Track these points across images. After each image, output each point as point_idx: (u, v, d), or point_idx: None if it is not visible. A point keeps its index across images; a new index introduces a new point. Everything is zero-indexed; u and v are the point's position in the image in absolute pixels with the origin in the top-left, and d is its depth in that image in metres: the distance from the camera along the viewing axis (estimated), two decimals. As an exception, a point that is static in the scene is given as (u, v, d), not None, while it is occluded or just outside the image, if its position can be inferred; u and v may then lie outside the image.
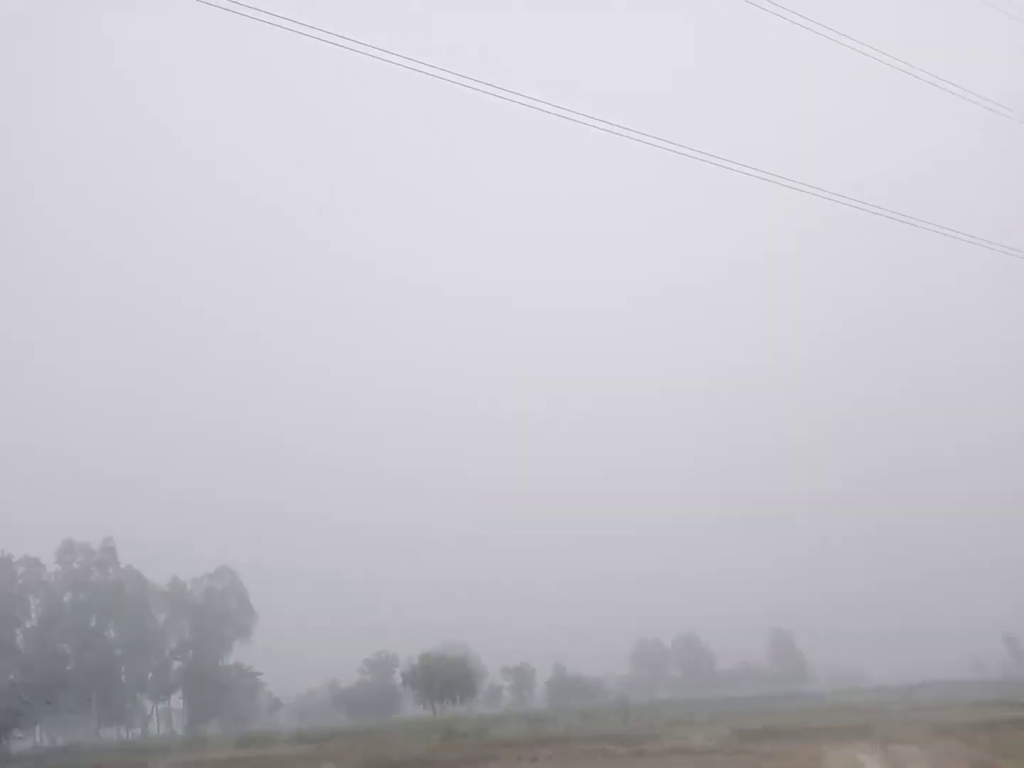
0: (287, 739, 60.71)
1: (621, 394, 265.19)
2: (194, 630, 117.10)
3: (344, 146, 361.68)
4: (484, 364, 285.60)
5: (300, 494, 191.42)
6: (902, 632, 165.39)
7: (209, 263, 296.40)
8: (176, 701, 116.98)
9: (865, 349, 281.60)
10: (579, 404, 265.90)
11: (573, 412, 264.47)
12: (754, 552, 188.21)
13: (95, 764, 49.84)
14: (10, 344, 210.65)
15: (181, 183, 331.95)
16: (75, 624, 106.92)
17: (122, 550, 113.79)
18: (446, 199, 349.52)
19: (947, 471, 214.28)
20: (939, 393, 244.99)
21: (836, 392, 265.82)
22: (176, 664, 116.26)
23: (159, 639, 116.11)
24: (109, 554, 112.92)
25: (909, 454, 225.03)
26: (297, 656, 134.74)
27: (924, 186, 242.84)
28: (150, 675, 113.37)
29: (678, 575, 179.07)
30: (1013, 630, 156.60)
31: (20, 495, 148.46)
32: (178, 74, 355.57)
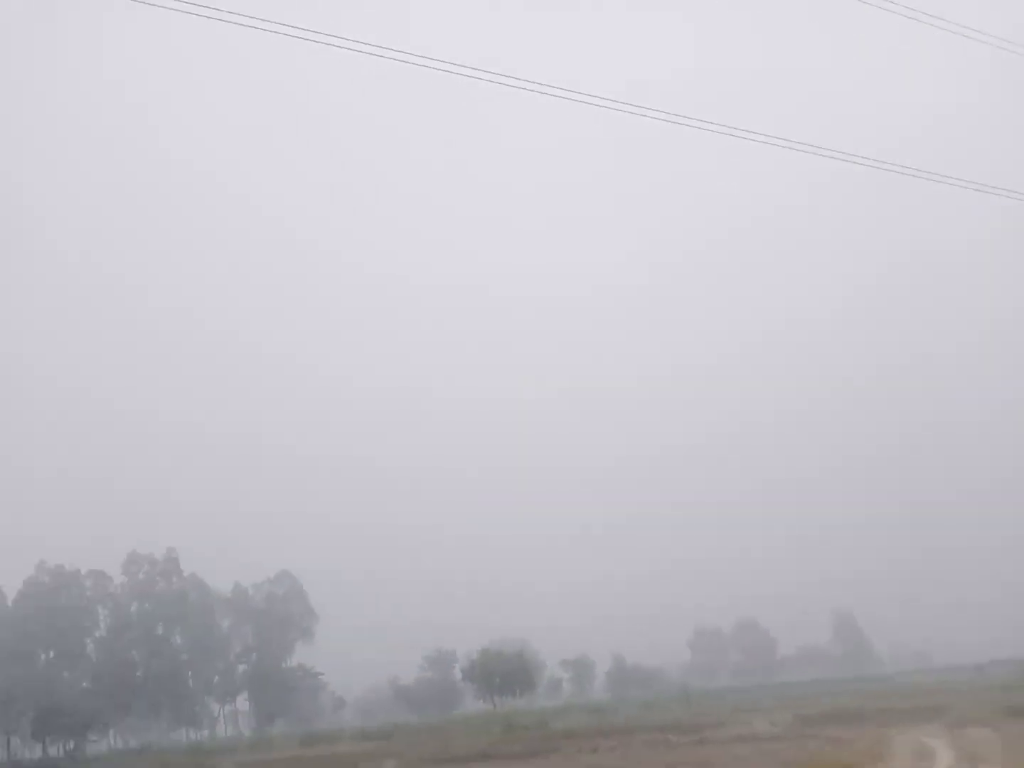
0: (351, 736, 61.62)
1: (640, 374, 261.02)
2: (257, 634, 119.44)
3: (338, 147, 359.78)
4: (493, 359, 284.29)
5: (359, 505, 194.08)
6: (971, 608, 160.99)
7: (208, 270, 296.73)
8: (242, 703, 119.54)
9: (884, 315, 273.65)
10: (601, 392, 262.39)
11: (595, 400, 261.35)
12: (812, 531, 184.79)
13: (164, 764, 51.13)
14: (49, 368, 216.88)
15: (176, 184, 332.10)
16: (142, 632, 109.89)
17: (184, 560, 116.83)
18: (443, 197, 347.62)
19: (989, 436, 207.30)
20: (965, 357, 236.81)
21: (863, 356, 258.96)
22: (241, 667, 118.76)
23: (224, 644, 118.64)
24: (172, 564, 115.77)
25: (951, 419, 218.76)
26: (358, 656, 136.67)
27: (935, 139, 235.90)
28: (216, 678, 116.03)
29: (735, 560, 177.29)
30: None
31: (85, 513, 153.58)
32: (174, 76, 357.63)
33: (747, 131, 22.45)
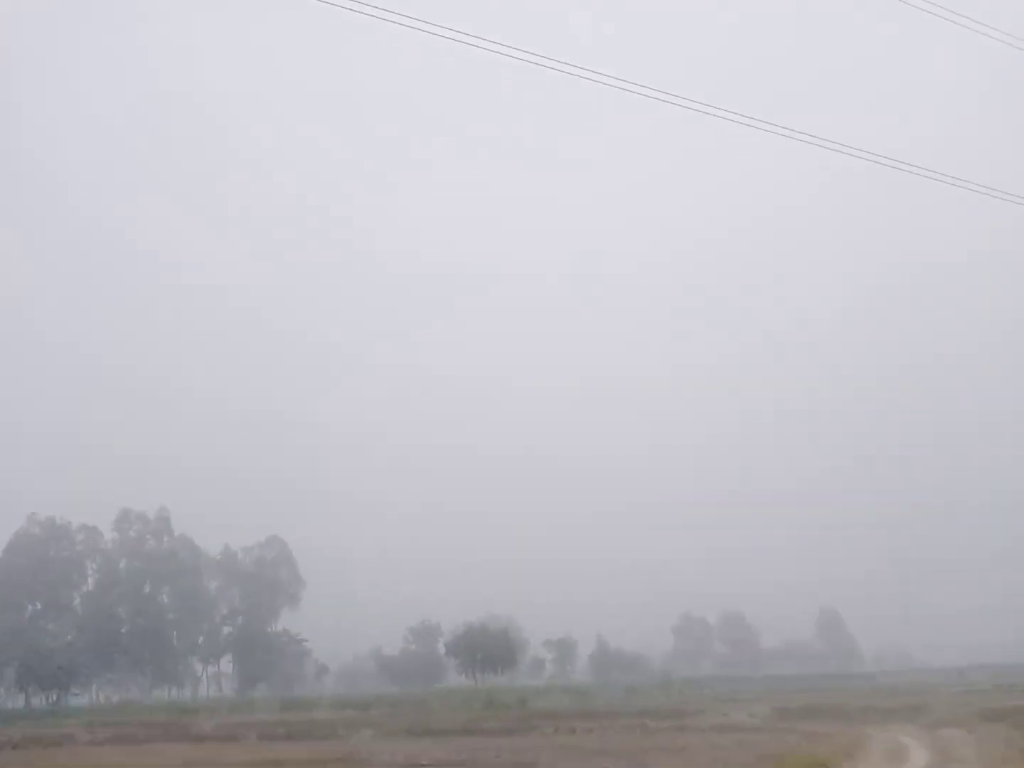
0: (331, 704, 61.86)
1: (647, 370, 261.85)
2: (244, 597, 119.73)
3: (354, 122, 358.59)
4: (515, 344, 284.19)
5: (358, 481, 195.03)
6: (954, 612, 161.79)
7: (227, 250, 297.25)
8: (226, 665, 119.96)
9: (885, 322, 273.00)
10: (609, 381, 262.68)
11: (604, 390, 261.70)
12: (802, 529, 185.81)
13: (144, 721, 51.32)
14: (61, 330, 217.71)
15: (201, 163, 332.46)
16: (130, 589, 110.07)
17: (176, 520, 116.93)
18: (458, 176, 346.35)
19: (985, 446, 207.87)
20: (962, 369, 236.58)
21: (863, 357, 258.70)
22: (226, 629, 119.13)
23: (210, 605, 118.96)
24: (164, 523, 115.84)
25: (949, 430, 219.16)
26: (344, 624, 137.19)
27: (943, 139, 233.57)
28: (201, 639, 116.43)
29: (725, 551, 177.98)
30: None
31: (80, 468, 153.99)
32: (195, 53, 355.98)
33: (751, 118, 21.89)
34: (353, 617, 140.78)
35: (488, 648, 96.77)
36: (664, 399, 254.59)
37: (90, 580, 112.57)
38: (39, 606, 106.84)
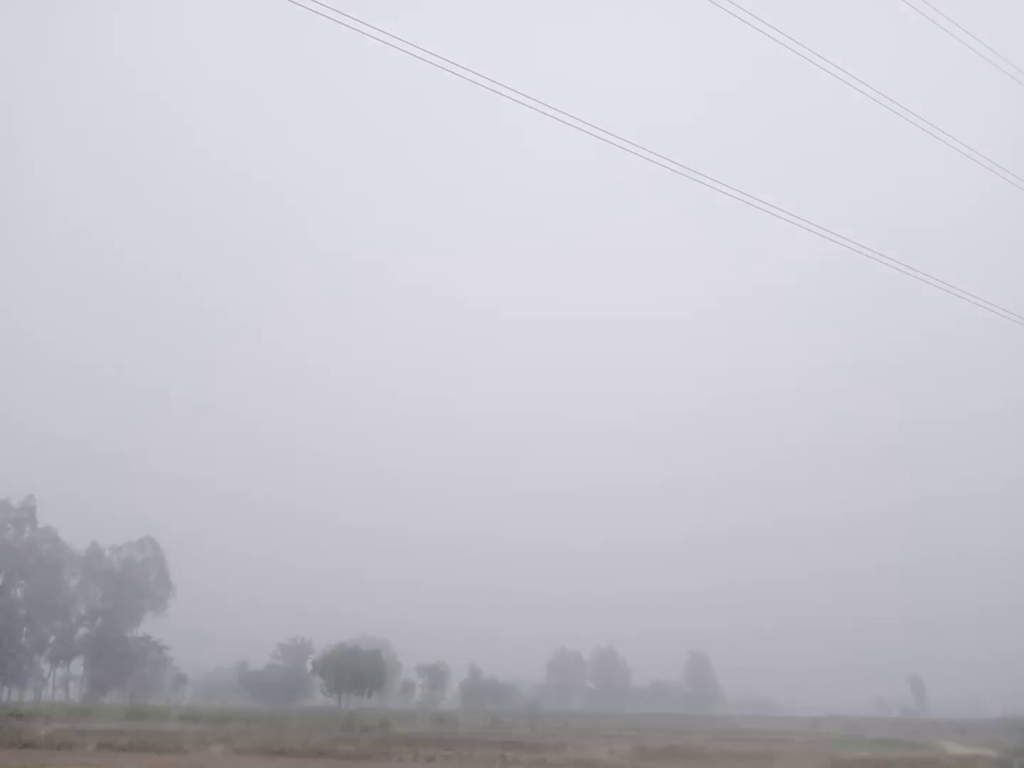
0: (182, 716, 58.90)
1: (568, 411, 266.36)
2: (106, 597, 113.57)
3: (370, 150, 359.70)
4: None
5: (255, 480, 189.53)
6: (811, 667, 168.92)
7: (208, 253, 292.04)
8: (77, 668, 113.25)
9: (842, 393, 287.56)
10: (535, 413, 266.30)
11: (522, 420, 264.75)
12: (681, 579, 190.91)
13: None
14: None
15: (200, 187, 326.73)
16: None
17: (46, 511, 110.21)
18: (477, 217, 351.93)
19: (868, 526, 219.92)
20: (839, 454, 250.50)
21: (773, 437, 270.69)
22: (82, 630, 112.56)
23: (68, 603, 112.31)
24: (28, 512, 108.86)
25: (829, 502, 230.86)
26: (211, 634, 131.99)
27: (929, 234, 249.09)
28: (52, 639, 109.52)
29: (605, 591, 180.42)
30: (919, 672, 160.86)
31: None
32: (184, 64, 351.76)
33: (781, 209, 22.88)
34: (222, 627, 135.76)
35: (357, 669, 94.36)
36: (560, 447, 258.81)
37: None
38: None
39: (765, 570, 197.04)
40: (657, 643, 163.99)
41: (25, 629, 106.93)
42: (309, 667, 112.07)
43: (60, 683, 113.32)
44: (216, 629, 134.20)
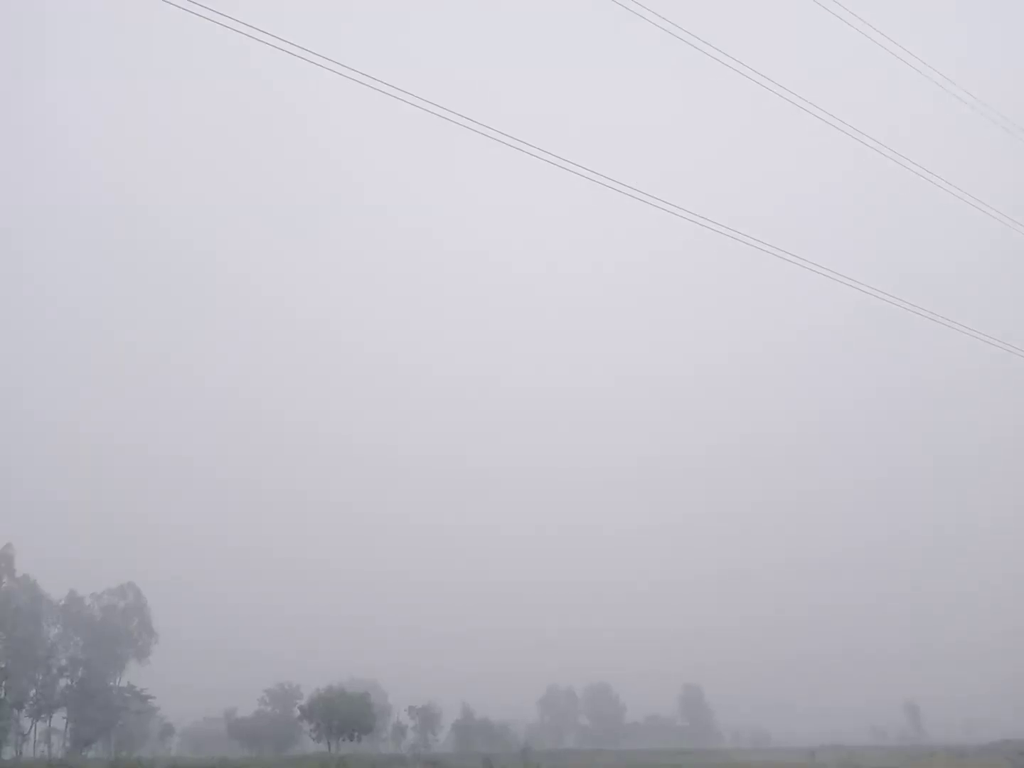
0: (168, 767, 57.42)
1: (559, 459, 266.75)
2: (88, 647, 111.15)
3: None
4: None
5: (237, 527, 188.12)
6: (807, 697, 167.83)
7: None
8: (60, 721, 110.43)
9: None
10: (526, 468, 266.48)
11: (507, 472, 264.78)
12: (676, 614, 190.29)
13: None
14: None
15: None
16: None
17: (25, 559, 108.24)
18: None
19: (857, 564, 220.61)
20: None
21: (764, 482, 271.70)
22: (64, 682, 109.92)
23: (48, 654, 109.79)
24: (6, 561, 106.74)
25: (826, 537, 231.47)
26: (197, 682, 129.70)
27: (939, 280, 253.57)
28: (33, 691, 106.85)
29: (596, 626, 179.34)
30: (914, 698, 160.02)
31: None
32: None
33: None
34: (208, 675, 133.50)
35: (346, 713, 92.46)
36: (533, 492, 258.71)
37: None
38: None
39: (759, 604, 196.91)
40: (650, 677, 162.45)
41: (4, 682, 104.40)
42: (297, 712, 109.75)
43: (42, 737, 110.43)
44: (202, 677, 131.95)
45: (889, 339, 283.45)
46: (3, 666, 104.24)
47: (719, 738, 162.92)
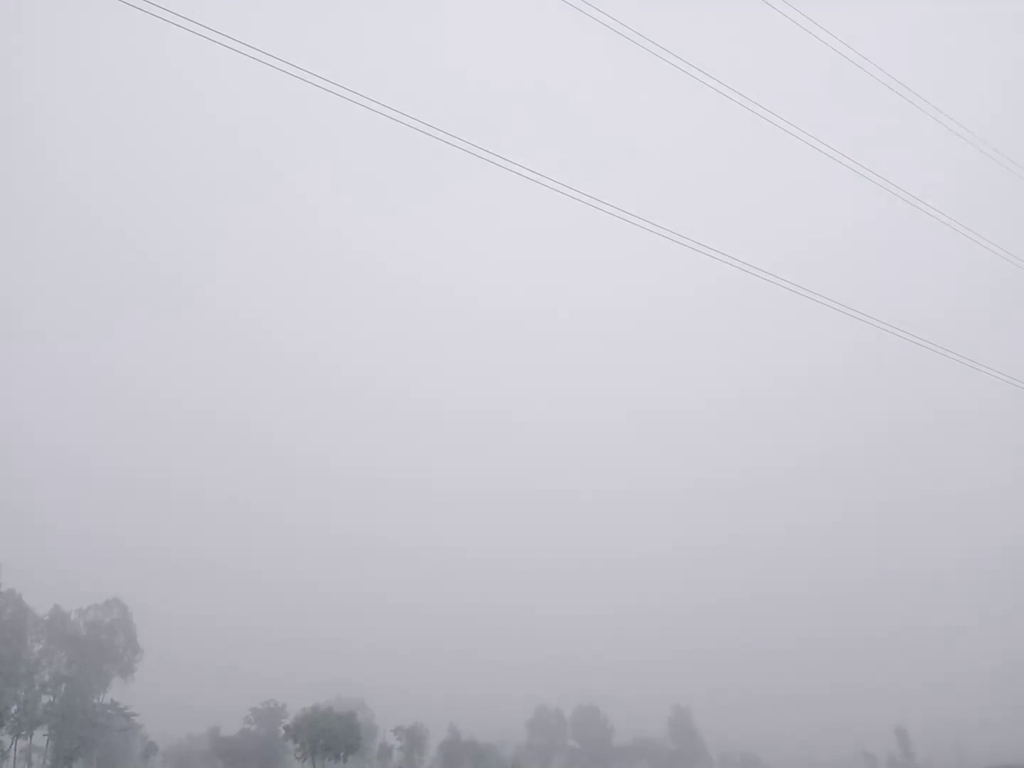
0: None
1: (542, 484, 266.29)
2: (72, 663, 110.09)
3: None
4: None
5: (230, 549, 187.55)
6: (797, 722, 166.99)
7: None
8: (41, 738, 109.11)
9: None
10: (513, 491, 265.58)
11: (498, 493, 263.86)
12: (667, 639, 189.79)
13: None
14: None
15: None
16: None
17: (10, 574, 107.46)
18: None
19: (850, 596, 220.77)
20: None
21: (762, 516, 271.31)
22: (46, 698, 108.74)
23: (31, 670, 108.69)
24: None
25: (815, 571, 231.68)
26: (183, 699, 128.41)
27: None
28: (14, 708, 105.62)
29: (585, 648, 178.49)
30: (904, 722, 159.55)
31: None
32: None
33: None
34: (194, 693, 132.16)
35: (331, 732, 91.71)
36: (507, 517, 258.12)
37: None
38: None
39: (747, 632, 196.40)
40: (639, 700, 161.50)
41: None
42: (282, 732, 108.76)
43: (22, 756, 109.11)
44: (188, 695, 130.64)
45: (894, 372, 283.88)
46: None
47: (709, 762, 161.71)
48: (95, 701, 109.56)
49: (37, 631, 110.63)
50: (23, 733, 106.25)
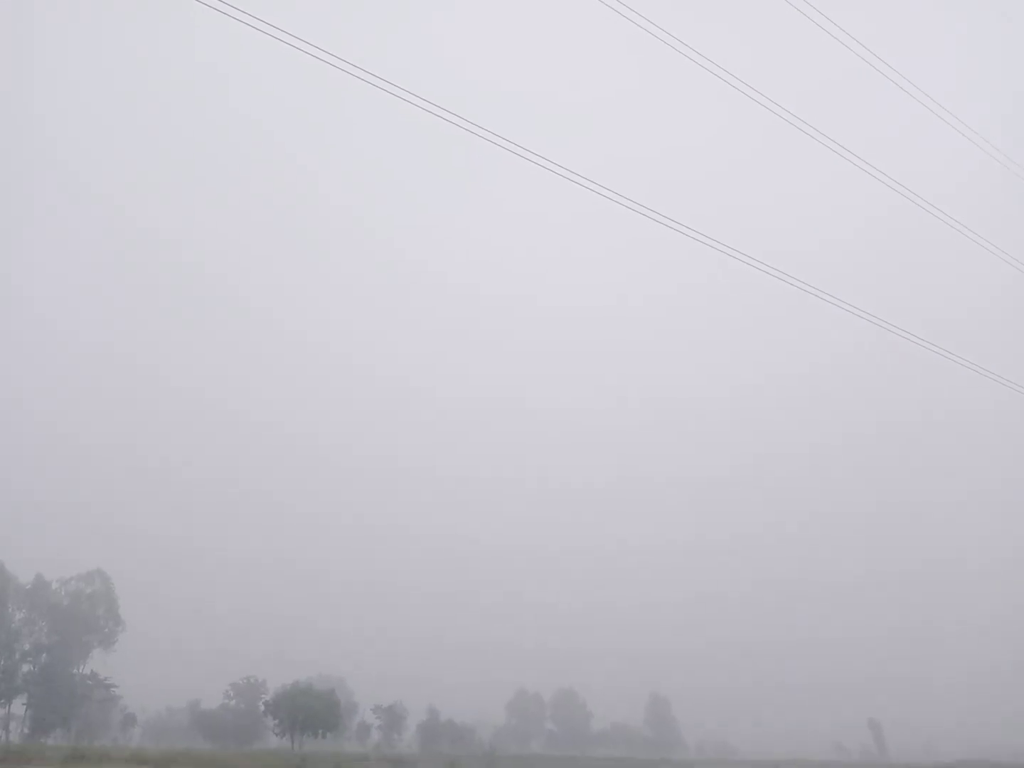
0: (127, 757, 57.01)
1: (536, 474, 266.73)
2: (52, 633, 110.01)
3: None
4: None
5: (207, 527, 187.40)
6: (773, 714, 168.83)
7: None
8: (19, 707, 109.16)
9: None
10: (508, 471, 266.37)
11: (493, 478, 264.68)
12: (648, 631, 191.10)
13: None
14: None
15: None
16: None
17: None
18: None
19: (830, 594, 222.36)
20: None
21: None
22: (26, 667, 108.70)
23: (12, 639, 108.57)
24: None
25: (800, 570, 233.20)
26: (163, 672, 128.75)
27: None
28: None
29: (566, 633, 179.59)
30: (878, 715, 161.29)
31: None
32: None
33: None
34: (174, 666, 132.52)
35: (311, 709, 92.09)
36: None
37: None
38: None
39: (729, 627, 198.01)
40: (618, 685, 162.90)
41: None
42: (261, 707, 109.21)
43: (0, 723, 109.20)
44: (168, 668, 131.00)
45: (897, 370, 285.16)
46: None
47: (685, 749, 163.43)
48: (75, 671, 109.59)
49: (19, 599, 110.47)
50: (1, 701, 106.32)
